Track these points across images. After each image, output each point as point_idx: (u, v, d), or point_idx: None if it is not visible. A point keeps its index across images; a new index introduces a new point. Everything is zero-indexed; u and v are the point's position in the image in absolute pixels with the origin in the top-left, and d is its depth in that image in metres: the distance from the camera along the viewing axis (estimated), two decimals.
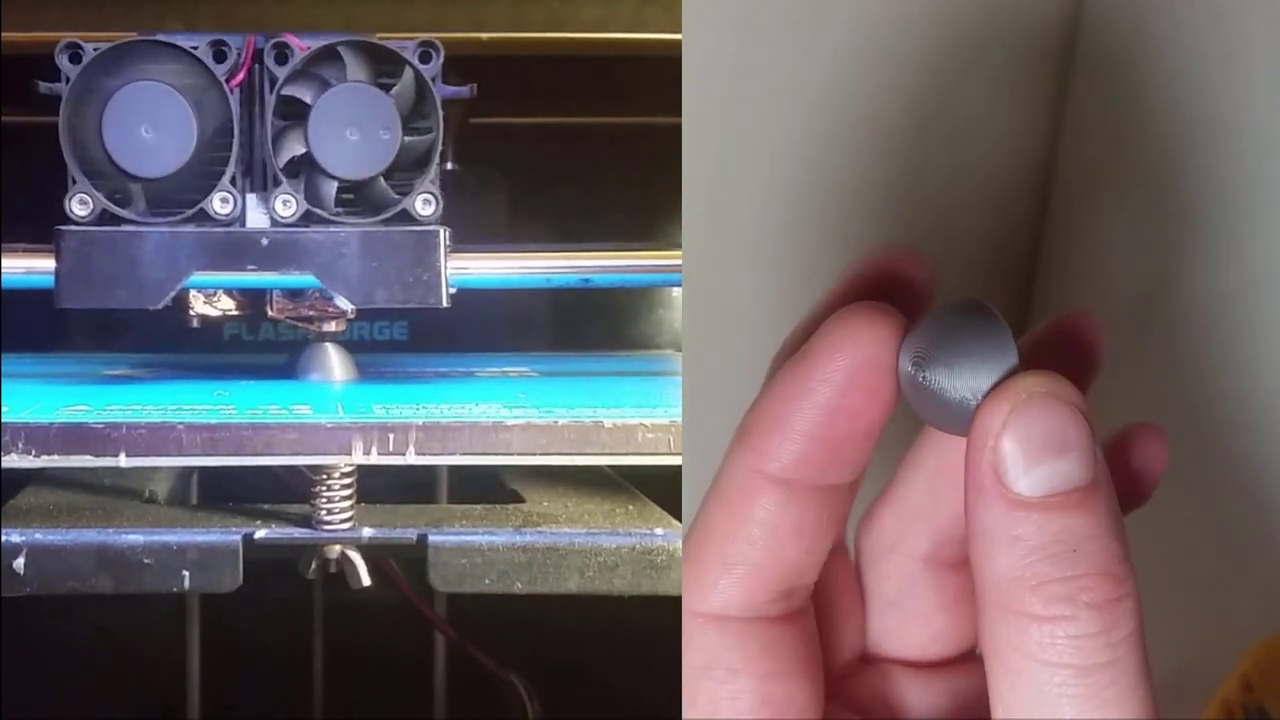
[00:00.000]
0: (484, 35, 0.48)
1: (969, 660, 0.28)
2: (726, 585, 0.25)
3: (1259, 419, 0.43)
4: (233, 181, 0.40)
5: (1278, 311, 0.42)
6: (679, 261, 0.44)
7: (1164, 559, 0.46)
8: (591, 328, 0.59)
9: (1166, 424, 0.46)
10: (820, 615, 0.27)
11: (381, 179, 0.40)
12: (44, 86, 0.39)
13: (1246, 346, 0.43)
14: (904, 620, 0.28)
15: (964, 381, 0.24)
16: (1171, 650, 0.46)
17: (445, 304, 0.40)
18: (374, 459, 0.35)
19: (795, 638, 0.25)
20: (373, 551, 0.37)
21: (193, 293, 0.42)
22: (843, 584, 0.28)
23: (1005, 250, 0.54)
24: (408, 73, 0.40)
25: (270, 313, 0.43)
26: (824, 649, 0.27)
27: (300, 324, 0.44)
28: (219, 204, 0.40)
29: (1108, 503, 0.22)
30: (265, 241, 0.40)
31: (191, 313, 0.42)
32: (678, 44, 0.44)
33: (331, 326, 0.44)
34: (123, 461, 0.34)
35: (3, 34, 0.45)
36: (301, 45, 0.40)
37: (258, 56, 0.40)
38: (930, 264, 0.26)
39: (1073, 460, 0.22)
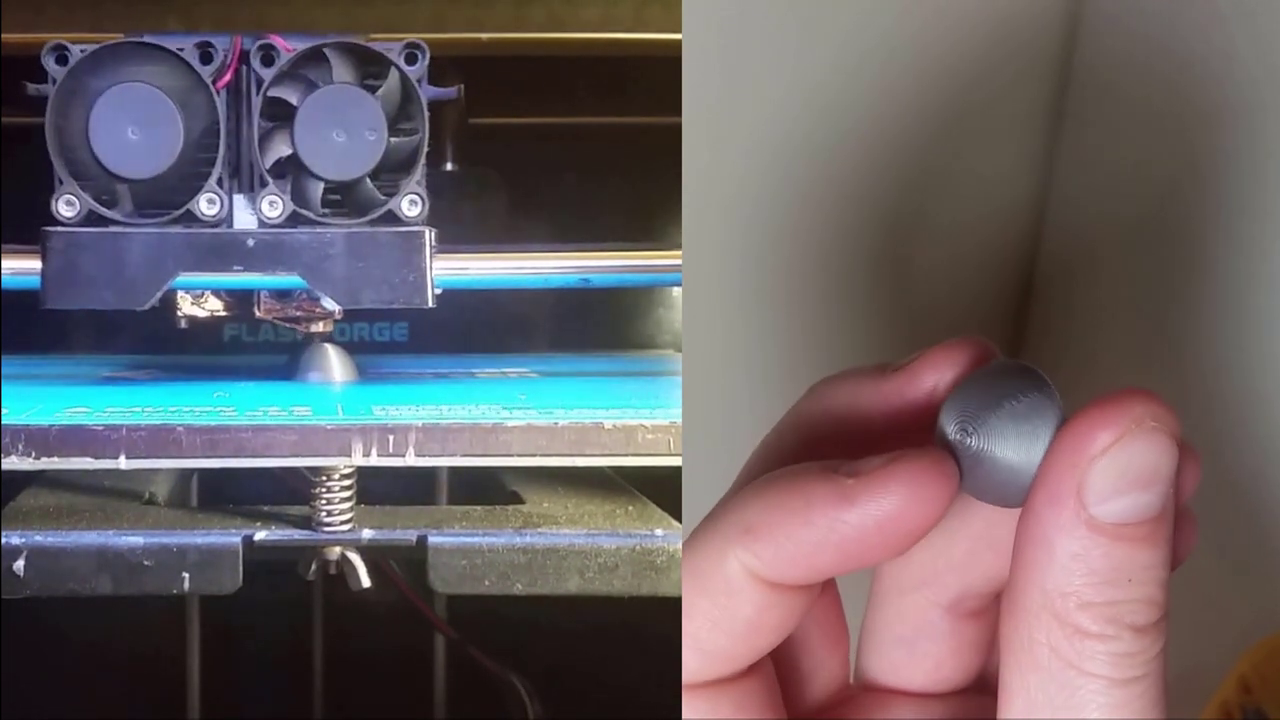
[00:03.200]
0: (484, 35, 0.48)
1: (966, 692, 0.28)
2: (697, 665, 0.24)
3: (1257, 421, 0.43)
4: (219, 183, 0.40)
5: (1274, 315, 0.42)
6: (679, 261, 0.44)
7: None
8: (591, 328, 0.59)
9: None
10: (806, 648, 0.27)
11: (368, 180, 0.40)
12: (32, 88, 0.39)
13: (1245, 350, 0.43)
14: (913, 659, 0.28)
15: (1016, 450, 0.23)
16: (1170, 652, 0.46)
17: (430, 304, 0.40)
18: (374, 460, 0.35)
19: (759, 686, 0.25)
20: (372, 553, 0.37)
21: (180, 293, 0.42)
22: (829, 617, 0.27)
23: (1003, 248, 0.54)
24: (393, 74, 0.40)
25: (257, 313, 0.43)
26: (814, 681, 0.27)
27: (287, 324, 0.44)
28: (206, 205, 0.40)
29: (1167, 532, 0.23)
30: (252, 242, 0.40)
31: (179, 314, 0.42)
32: (678, 44, 0.44)
33: (319, 327, 0.44)
34: (122, 463, 0.34)
35: (2, 34, 0.45)
36: (288, 47, 0.40)
37: (244, 58, 0.40)
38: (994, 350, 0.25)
39: (1154, 494, 0.23)
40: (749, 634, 0.24)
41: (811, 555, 0.23)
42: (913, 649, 0.27)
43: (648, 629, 0.38)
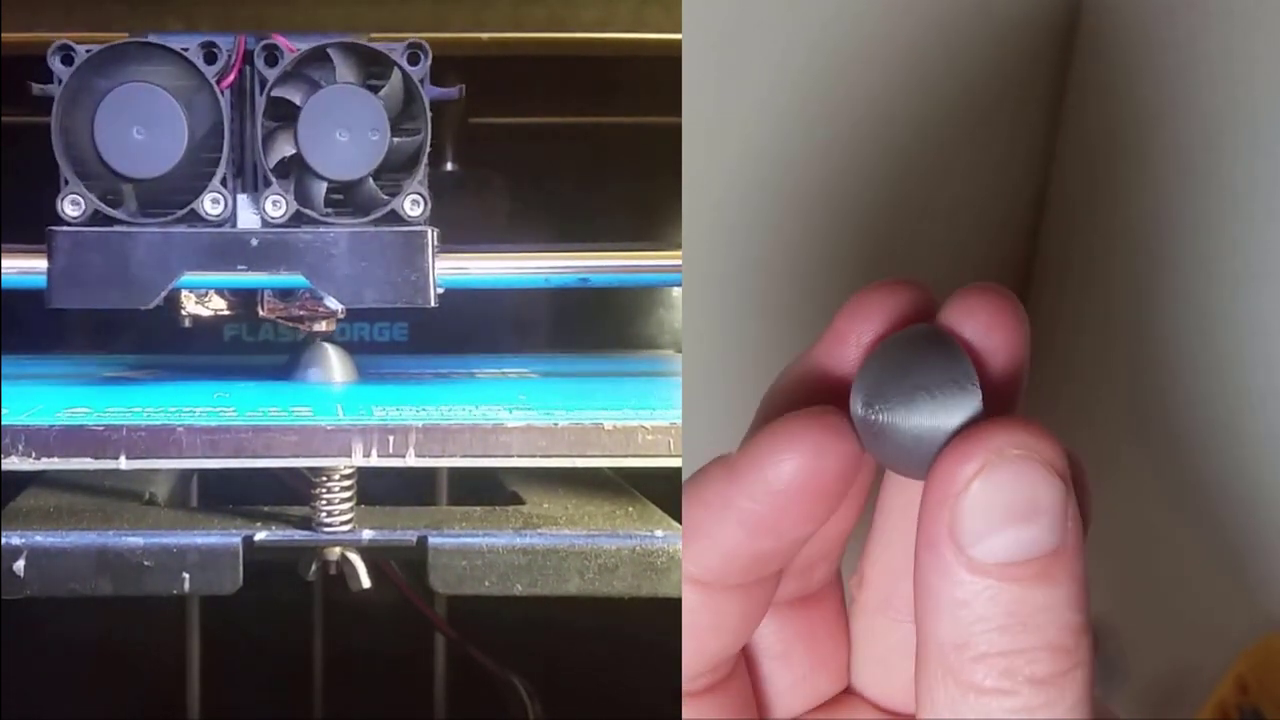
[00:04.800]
0: (484, 35, 0.48)
1: None
2: None
3: (1254, 420, 0.43)
4: (223, 182, 0.40)
5: (1271, 315, 0.42)
6: (679, 261, 0.44)
7: (1160, 562, 0.46)
8: (591, 328, 0.59)
9: (1163, 428, 0.47)
10: (801, 655, 0.26)
11: (370, 180, 0.40)
12: (37, 88, 0.39)
13: (1241, 350, 0.43)
14: (889, 676, 0.27)
15: (923, 423, 0.22)
16: (1167, 652, 0.46)
17: (433, 304, 0.41)
18: (374, 461, 0.35)
19: (726, 704, 0.25)
20: (373, 553, 0.37)
21: (184, 293, 0.42)
22: (828, 625, 0.27)
23: (1003, 244, 0.54)
24: (396, 74, 0.40)
25: (261, 312, 0.43)
26: (802, 688, 0.26)
27: (290, 324, 0.44)
28: (210, 204, 0.40)
29: (1070, 569, 0.21)
30: (255, 242, 0.40)
31: (183, 313, 0.42)
32: (678, 44, 0.44)
33: (321, 326, 0.44)
34: (123, 464, 0.34)
35: (2, 34, 0.45)
36: (291, 47, 0.40)
37: (248, 58, 0.40)
38: (932, 296, 0.24)
39: (1039, 527, 0.21)
40: (690, 638, 0.24)
41: (721, 541, 0.23)
42: (889, 667, 0.27)
43: (648, 630, 0.38)
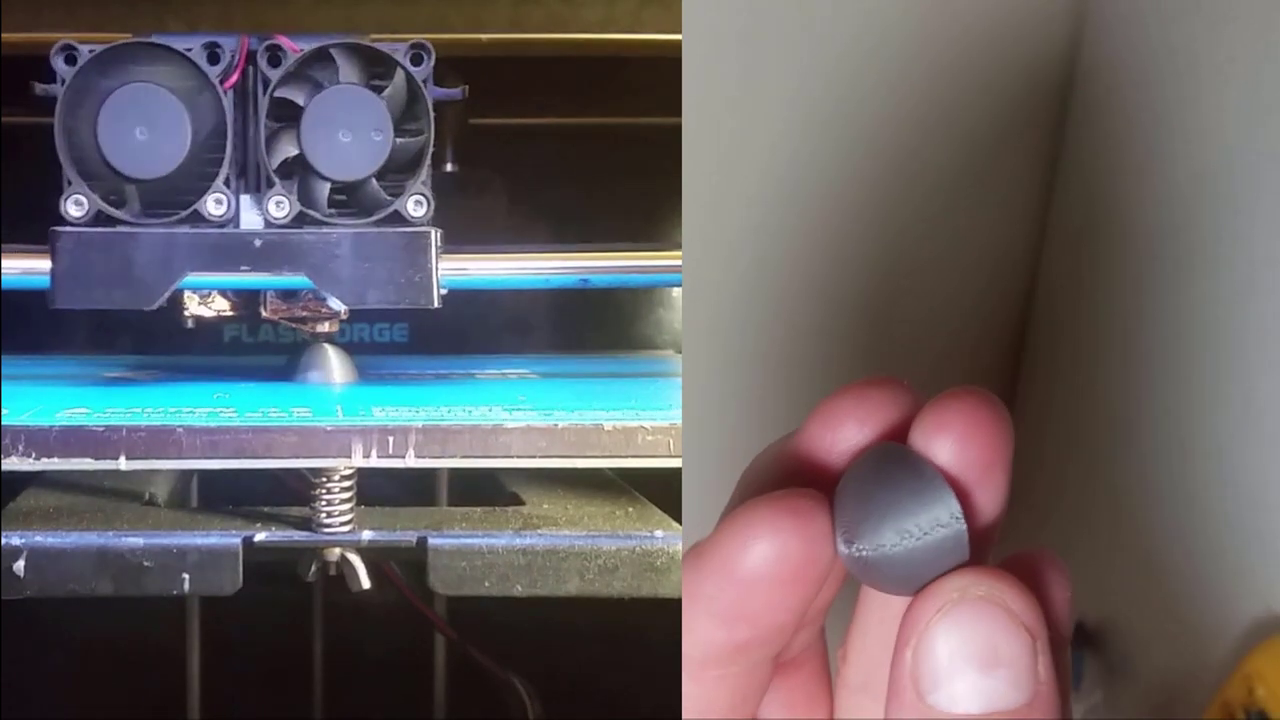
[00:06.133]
0: (484, 35, 0.48)
1: None
2: None
3: (1259, 423, 0.43)
4: (226, 183, 0.40)
5: (1273, 316, 0.42)
6: (679, 261, 0.44)
7: (1164, 562, 0.46)
8: (591, 329, 0.59)
9: (1169, 430, 0.47)
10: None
11: (374, 180, 0.40)
12: (39, 88, 0.39)
13: (1246, 353, 0.43)
14: None
15: (910, 562, 0.21)
16: (1173, 652, 0.46)
17: (436, 304, 0.41)
18: (373, 462, 0.35)
19: None
20: (372, 554, 0.37)
21: (187, 293, 0.42)
22: (807, 690, 0.26)
23: (1006, 251, 0.54)
24: (399, 75, 0.40)
25: (264, 313, 0.43)
26: None
27: (294, 325, 0.44)
28: (213, 205, 0.40)
29: None
30: (259, 242, 0.40)
31: (186, 313, 0.42)
32: (678, 44, 0.44)
33: (325, 327, 0.44)
34: (123, 464, 0.34)
35: (2, 34, 0.45)
36: (294, 47, 0.40)
37: (251, 58, 0.40)
38: (913, 396, 0.22)
39: (1001, 680, 0.20)
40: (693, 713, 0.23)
41: (695, 631, 0.22)
42: None
43: (648, 630, 0.38)
